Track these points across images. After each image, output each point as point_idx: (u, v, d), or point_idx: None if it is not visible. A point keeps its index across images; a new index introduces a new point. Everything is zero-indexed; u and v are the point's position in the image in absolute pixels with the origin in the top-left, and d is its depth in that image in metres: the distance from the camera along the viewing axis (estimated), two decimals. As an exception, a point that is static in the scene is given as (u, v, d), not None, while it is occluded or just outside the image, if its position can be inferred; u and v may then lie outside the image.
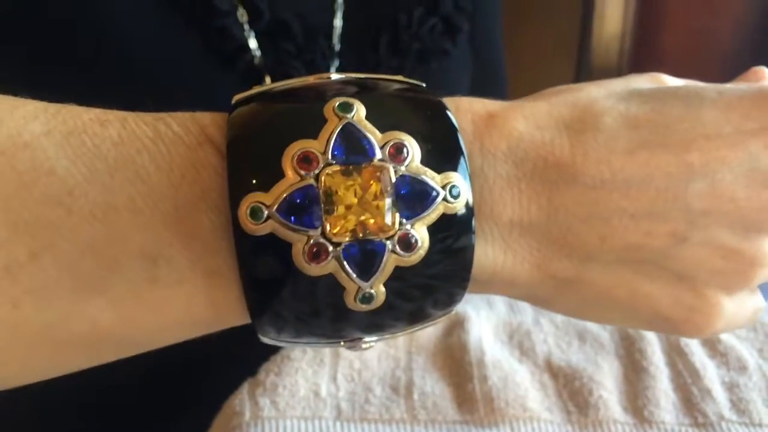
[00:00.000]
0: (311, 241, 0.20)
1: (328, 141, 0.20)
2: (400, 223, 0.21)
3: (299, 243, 0.20)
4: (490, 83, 0.60)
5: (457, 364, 0.40)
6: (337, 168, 0.20)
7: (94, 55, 0.44)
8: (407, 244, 0.21)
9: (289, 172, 0.20)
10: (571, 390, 0.39)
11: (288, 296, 0.21)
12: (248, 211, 0.20)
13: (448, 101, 0.24)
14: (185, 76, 0.46)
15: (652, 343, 0.42)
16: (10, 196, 0.20)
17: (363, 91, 0.22)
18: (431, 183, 0.21)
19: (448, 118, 0.23)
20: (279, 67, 0.46)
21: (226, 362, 0.44)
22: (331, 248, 0.20)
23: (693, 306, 0.26)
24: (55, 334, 0.21)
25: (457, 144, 0.22)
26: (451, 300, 0.23)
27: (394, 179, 0.21)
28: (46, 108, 0.21)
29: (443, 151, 0.22)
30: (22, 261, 0.20)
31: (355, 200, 0.20)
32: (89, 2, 0.42)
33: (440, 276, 0.22)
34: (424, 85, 0.24)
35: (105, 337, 0.22)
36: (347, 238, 0.20)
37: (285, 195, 0.20)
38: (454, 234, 0.22)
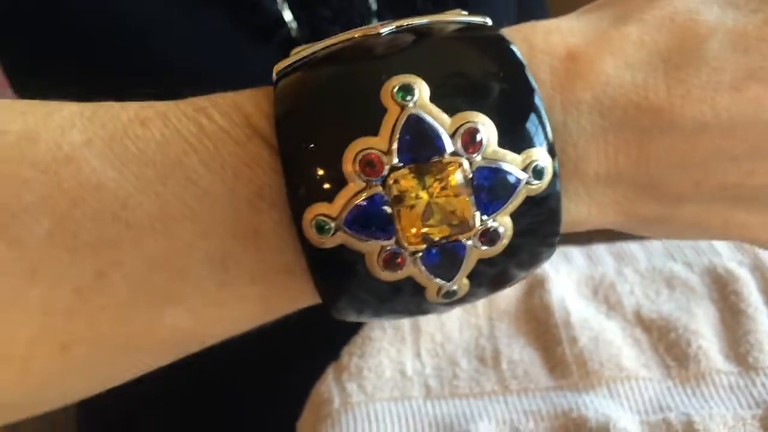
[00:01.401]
0: (385, 249, 0.19)
1: (391, 138, 0.18)
2: (481, 220, 0.19)
3: (372, 252, 0.19)
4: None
5: (542, 327, 0.39)
6: (405, 171, 0.18)
7: (125, 44, 0.43)
8: (490, 237, 0.19)
9: (353, 179, 0.18)
10: (667, 343, 0.37)
11: (364, 294, 0.20)
12: (314, 225, 0.18)
13: (519, 39, 0.21)
14: (219, 56, 0.44)
15: (747, 282, 0.39)
16: (63, 217, 0.19)
17: (420, 51, 0.20)
18: (512, 169, 0.19)
19: (524, 76, 0.20)
20: (317, 36, 0.45)
21: (309, 347, 0.44)
22: (407, 255, 0.19)
23: None
24: (137, 344, 0.21)
25: (537, 112, 0.20)
26: (537, 261, 0.21)
27: (470, 174, 0.18)
28: (82, 111, 0.20)
29: (521, 124, 0.19)
30: (90, 282, 0.19)
31: (429, 202, 0.18)
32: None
33: (526, 249, 0.21)
34: (489, 20, 0.21)
35: (187, 338, 0.21)
36: (424, 245, 0.19)
37: (351, 206, 0.18)
38: (540, 213, 0.20)
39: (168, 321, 0.20)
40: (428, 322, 0.40)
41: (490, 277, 0.20)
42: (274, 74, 0.21)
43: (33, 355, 0.20)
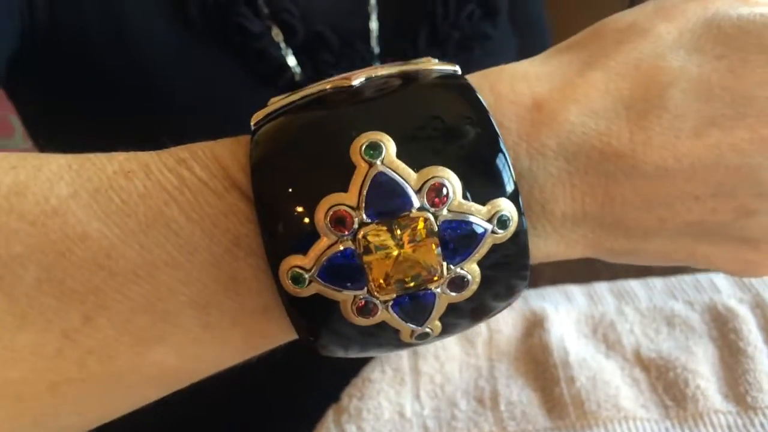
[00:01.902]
0: (359, 298, 0.19)
1: (360, 194, 0.19)
2: (449, 269, 0.20)
3: (347, 301, 0.20)
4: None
5: (541, 368, 0.39)
6: (374, 226, 0.19)
7: (136, 90, 0.44)
8: (458, 284, 0.20)
9: (324, 234, 0.19)
10: (665, 382, 0.37)
11: (341, 335, 0.21)
12: (289, 276, 0.19)
13: (486, 88, 0.22)
14: (226, 101, 0.46)
15: (747, 320, 0.39)
16: (50, 266, 0.20)
17: (388, 106, 0.20)
18: (477, 221, 0.19)
19: (489, 126, 0.20)
20: (319, 80, 0.46)
21: (308, 389, 0.44)
22: (379, 303, 0.20)
23: (753, 260, 0.24)
24: (125, 381, 0.22)
25: (501, 162, 0.20)
26: (512, 292, 0.22)
27: (436, 227, 0.19)
28: (70, 164, 0.21)
29: (486, 173, 0.20)
30: (77, 326, 0.20)
31: (398, 255, 0.19)
32: (127, 38, 0.43)
33: (500, 282, 0.21)
34: (458, 69, 0.22)
35: (173, 373, 0.22)
36: (394, 294, 0.19)
37: (323, 259, 0.19)
38: (508, 255, 0.20)
39: (154, 359, 0.21)
40: (428, 363, 0.40)
41: (469, 311, 0.21)
42: (252, 123, 0.21)
43: (24, 395, 0.20)
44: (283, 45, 0.46)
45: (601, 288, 0.45)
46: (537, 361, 0.39)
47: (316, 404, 0.39)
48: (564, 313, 0.42)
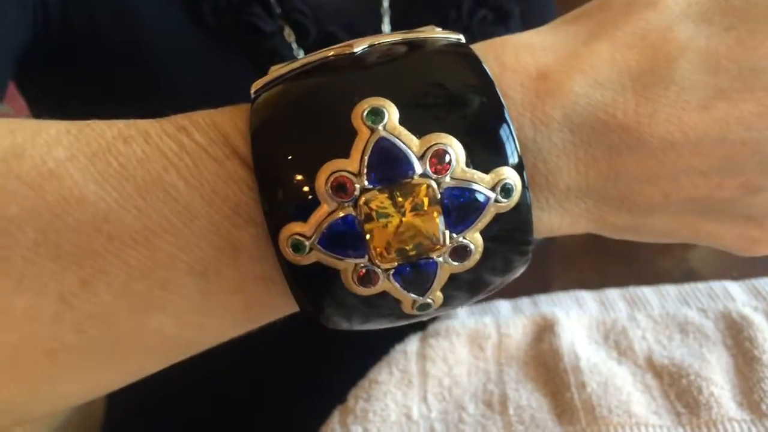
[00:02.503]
0: (359, 267, 0.19)
1: (361, 160, 0.19)
2: (451, 238, 0.19)
3: (347, 269, 0.19)
4: None
5: (551, 372, 0.38)
6: (375, 192, 0.19)
7: (147, 88, 0.45)
8: (461, 254, 0.20)
9: (325, 200, 0.19)
10: (678, 389, 0.36)
11: (343, 305, 0.20)
12: (289, 243, 0.19)
13: (491, 57, 0.21)
14: (238, 100, 0.46)
15: (762, 328, 0.38)
16: (46, 228, 0.19)
17: (391, 72, 0.20)
18: (480, 188, 0.19)
19: (493, 95, 0.20)
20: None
21: (315, 389, 0.44)
22: (381, 272, 0.19)
23: (758, 238, 0.24)
24: (124, 349, 0.21)
25: (505, 131, 0.20)
26: (510, 267, 0.22)
27: (439, 195, 0.19)
28: (69, 129, 0.21)
29: (490, 142, 0.20)
30: (74, 290, 0.20)
31: (399, 222, 0.19)
32: (139, 36, 0.43)
33: (498, 255, 0.21)
34: (462, 38, 0.22)
35: (172, 343, 0.22)
36: (396, 262, 0.19)
37: (324, 226, 0.19)
38: (510, 228, 0.20)
39: (152, 326, 0.21)
40: (436, 365, 0.39)
41: (467, 283, 0.21)
42: (252, 91, 0.21)
43: (21, 360, 0.20)
44: (294, 45, 0.46)
45: (613, 294, 0.44)
46: (547, 365, 0.39)
47: (321, 405, 0.39)
48: (575, 318, 0.42)
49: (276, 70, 0.21)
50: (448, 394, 0.38)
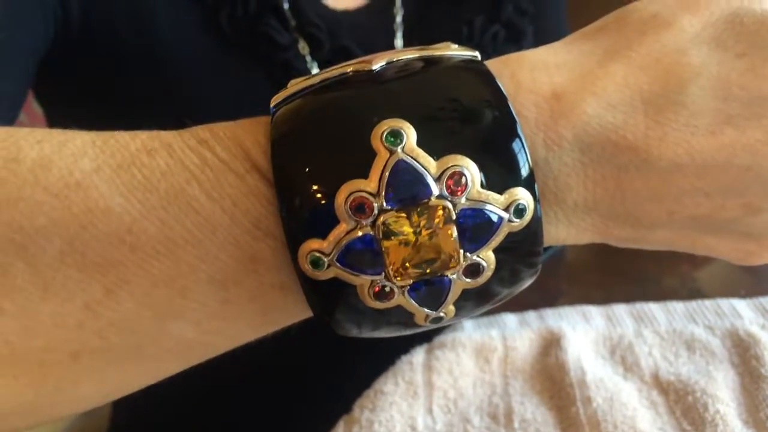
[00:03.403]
0: (376, 283, 0.20)
1: (380, 181, 0.19)
2: (465, 257, 0.20)
3: (364, 285, 0.20)
4: None
5: (557, 386, 0.38)
6: (393, 213, 0.19)
7: (164, 97, 0.45)
8: (474, 271, 0.20)
9: (344, 219, 0.19)
10: (684, 406, 0.36)
11: (357, 318, 0.21)
12: (308, 259, 0.20)
13: (506, 75, 0.22)
14: (252, 111, 0.46)
15: (770, 347, 0.38)
16: (72, 238, 0.20)
17: (409, 91, 0.20)
18: (495, 210, 0.20)
19: (508, 114, 0.20)
20: None
21: (320, 399, 0.44)
22: (396, 288, 0.20)
23: (754, 251, 0.24)
24: (144, 353, 0.22)
25: (520, 154, 0.20)
26: (517, 279, 0.22)
27: (455, 216, 0.19)
28: (94, 141, 0.21)
29: (503, 159, 0.20)
30: (98, 298, 0.20)
31: (416, 242, 0.19)
32: (157, 45, 0.43)
33: (507, 273, 0.21)
34: (477, 54, 0.22)
35: (192, 346, 0.23)
36: (411, 280, 0.20)
37: (342, 243, 0.19)
38: (521, 245, 0.21)
39: (173, 332, 0.22)
40: (442, 377, 0.40)
41: (475, 295, 0.21)
42: (271, 104, 0.22)
43: (46, 362, 0.21)
44: (308, 58, 0.47)
45: (620, 310, 0.44)
46: (553, 379, 0.39)
47: (327, 414, 0.39)
48: (582, 333, 0.42)
49: (295, 84, 0.22)
50: (453, 406, 0.38)
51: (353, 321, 0.21)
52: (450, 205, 0.19)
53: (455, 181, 0.19)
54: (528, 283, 0.22)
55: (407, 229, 0.19)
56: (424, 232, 0.19)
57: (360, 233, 0.19)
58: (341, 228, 0.19)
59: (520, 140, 0.20)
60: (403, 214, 0.19)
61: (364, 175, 0.19)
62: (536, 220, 0.20)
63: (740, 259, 0.25)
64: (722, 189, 0.22)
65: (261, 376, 0.50)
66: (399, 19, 0.50)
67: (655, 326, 0.42)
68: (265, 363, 0.47)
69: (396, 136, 0.19)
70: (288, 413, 0.49)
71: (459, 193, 0.19)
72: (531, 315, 0.45)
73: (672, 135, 0.21)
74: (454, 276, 0.20)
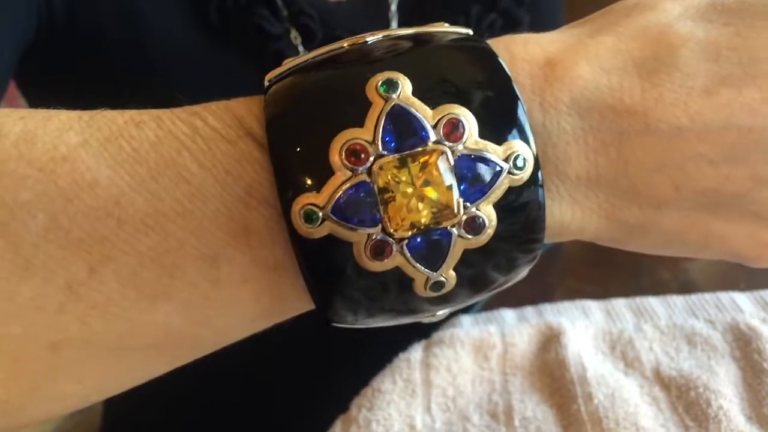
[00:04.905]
0: (372, 238, 0.19)
1: (375, 128, 0.19)
2: (465, 207, 0.19)
3: (360, 241, 0.19)
4: None
5: (557, 383, 0.38)
6: (389, 158, 0.19)
7: (151, 89, 0.44)
8: (474, 227, 0.20)
9: (339, 169, 0.19)
10: (686, 402, 0.35)
11: (353, 289, 0.20)
12: (302, 215, 0.19)
13: (500, 48, 0.22)
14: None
15: (772, 340, 0.38)
16: (57, 213, 0.19)
17: (404, 56, 0.21)
18: (493, 158, 0.19)
19: (503, 77, 0.20)
20: None
21: (317, 398, 0.43)
22: (394, 244, 0.19)
23: (766, 241, 0.24)
24: (129, 343, 0.21)
25: (516, 107, 0.20)
26: (513, 265, 0.22)
27: (452, 162, 0.19)
28: (80, 116, 0.21)
29: (501, 118, 0.20)
30: (82, 277, 0.19)
31: (414, 190, 0.19)
32: (144, 37, 0.42)
33: (512, 245, 0.21)
34: (471, 32, 0.22)
35: (178, 340, 0.22)
36: (410, 232, 0.19)
37: (338, 195, 0.19)
38: (522, 205, 0.20)
39: (158, 318, 0.20)
40: (440, 375, 0.39)
41: (468, 277, 0.21)
42: (265, 81, 0.21)
43: (23, 354, 0.20)
44: (301, 48, 0.46)
45: (619, 304, 0.44)
46: (553, 376, 0.38)
47: (324, 413, 0.38)
48: (581, 328, 0.41)
49: (290, 62, 0.21)
50: (452, 404, 0.38)
51: (348, 297, 0.20)
52: (448, 150, 0.19)
53: (452, 128, 0.19)
54: (525, 271, 0.22)
55: (404, 176, 0.19)
56: (420, 178, 0.19)
57: (355, 181, 0.19)
58: (337, 178, 0.19)
59: (519, 101, 0.20)
60: (400, 160, 0.19)
61: (360, 125, 0.19)
62: (538, 184, 0.20)
63: (758, 255, 0.24)
64: (725, 155, 0.21)
65: (257, 375, 0.50)
66: (394, 7, 0.50)
67: (655, 321, 0.42)
68: (261, 361, 0.46)
69: (391, 85, 0.19)
70: (284, 412, 0.49)
71: (456, 141, 0.19)
72: (529, 310, 0.45)
73: (668, 96, 0.21)
74: (454, 230, 0.19)
